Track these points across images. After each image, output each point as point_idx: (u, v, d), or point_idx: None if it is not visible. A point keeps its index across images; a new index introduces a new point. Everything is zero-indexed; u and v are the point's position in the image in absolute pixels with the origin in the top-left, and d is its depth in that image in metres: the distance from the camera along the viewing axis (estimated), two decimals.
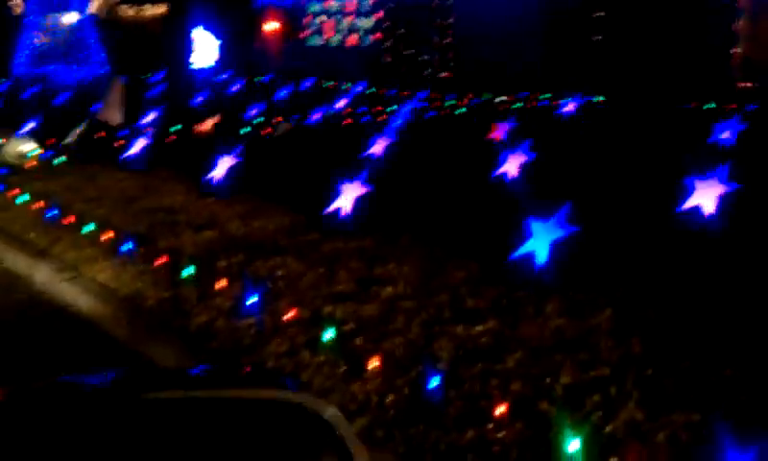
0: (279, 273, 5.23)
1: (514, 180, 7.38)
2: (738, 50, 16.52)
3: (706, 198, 5.88)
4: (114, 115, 10.01)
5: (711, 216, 5.85)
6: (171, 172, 8.74)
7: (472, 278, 5.00)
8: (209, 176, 7.77)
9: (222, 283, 4.99)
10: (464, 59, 21.55)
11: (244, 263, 5.46)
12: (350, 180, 6.37)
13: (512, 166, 7.35)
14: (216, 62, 28.67)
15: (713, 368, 3.64)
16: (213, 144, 10.46)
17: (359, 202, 6.26)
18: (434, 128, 12.89)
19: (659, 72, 16.58)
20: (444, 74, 22.03)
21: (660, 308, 4.38)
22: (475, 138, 10.31)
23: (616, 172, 7.99)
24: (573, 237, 5.01)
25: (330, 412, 1.63)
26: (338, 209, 6.27)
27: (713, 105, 13.39)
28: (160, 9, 35.81)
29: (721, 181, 5.99)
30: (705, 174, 6.06)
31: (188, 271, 5.17)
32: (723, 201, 5.90)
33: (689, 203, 5.95)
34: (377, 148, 8.88)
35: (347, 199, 6.26)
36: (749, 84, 15.95)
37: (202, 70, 26.97)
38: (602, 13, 17.99)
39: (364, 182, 6.33)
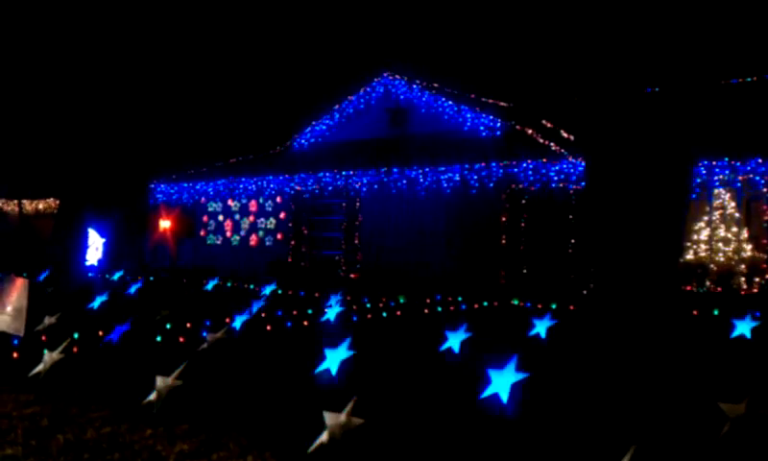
0: None
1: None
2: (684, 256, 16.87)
3: None
4: (17, 323, 8.46)
5: None
6: (85, 392, 7.30)
7: None
8: (145, 400, 6.48)
9: None
10: (371, 260, 21.19)
11: None
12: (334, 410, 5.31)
13: (503, 390, 6.52)
14: (99, 261, 27.14)
15: None
16: (130, 357, 9.16)
17: (349, 435, 5.17)
18: (378, 335, 12.02)
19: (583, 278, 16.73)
20: (352, 275, 21.53)
21: None
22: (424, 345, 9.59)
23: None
24: None
25: None
26: (322, 446, 5.15)
27: None
28: (41, 204, 34.18)
29: None
30: None
31: None
32: None
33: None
34: (331, 364, 7.86)
35: (335, 433, 5.16)
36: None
37: (90, 268, 25.31)
38: (520, 222, 18.28)
39: (351, 414, 5.27)
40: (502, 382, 6.63)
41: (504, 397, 6.55)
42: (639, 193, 8.91)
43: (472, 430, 6.03)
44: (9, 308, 8.65)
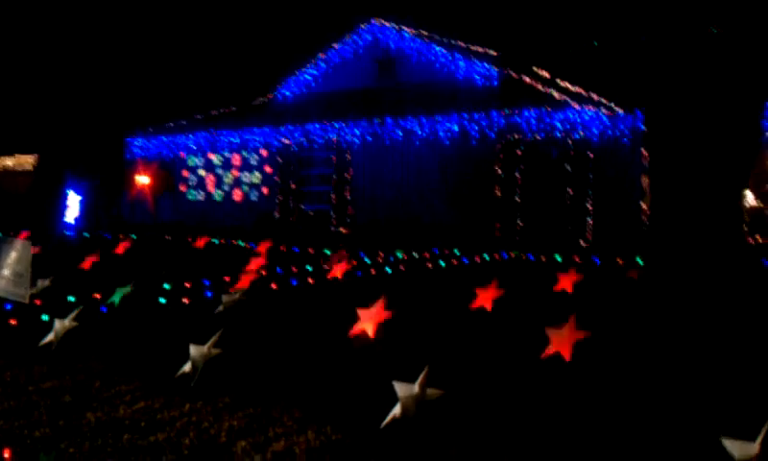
0: None
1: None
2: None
3: None
4: (19, 289, 7.73)
5: None
6: (104, 363, 6.69)
7: None
8: (178, 371, 5.90)
9: None
10: (362, 214, 20.61)
11: None
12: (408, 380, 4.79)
13: (565, 349, 6.05)
14: (76, 219, 26.15)
15: None
16: (139, 321, 8.55)
17: (425, 408, 4.67)
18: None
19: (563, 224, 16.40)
20: (342, 229, 20.94)
21: None
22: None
23: None
24: None
25: None
26: (395, 420, 4.63)
27: None
28: (9, 160, 32.97)
29: None
30: None
31: None
32: None
33: None
34: (366, 326, 7.34)
35: (408, 406, 4.65)
36: None
37: (67, 225, 24.37)
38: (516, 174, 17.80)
39: (424, 384, 4.75)
40: (563, 342, 6.18)
41: (567, 356, 6.10)
42: (704, 140, 8.39)
43: (549, 399, 5.55)
44: (6, 272, 7.93)
